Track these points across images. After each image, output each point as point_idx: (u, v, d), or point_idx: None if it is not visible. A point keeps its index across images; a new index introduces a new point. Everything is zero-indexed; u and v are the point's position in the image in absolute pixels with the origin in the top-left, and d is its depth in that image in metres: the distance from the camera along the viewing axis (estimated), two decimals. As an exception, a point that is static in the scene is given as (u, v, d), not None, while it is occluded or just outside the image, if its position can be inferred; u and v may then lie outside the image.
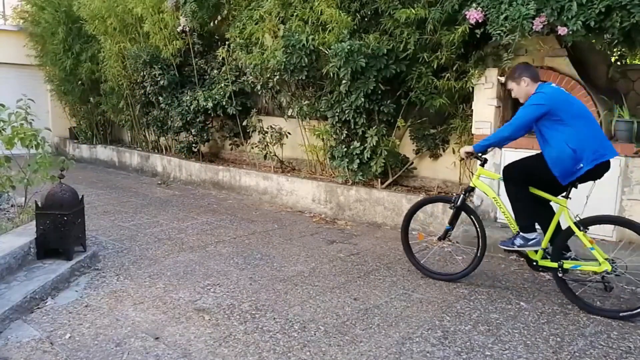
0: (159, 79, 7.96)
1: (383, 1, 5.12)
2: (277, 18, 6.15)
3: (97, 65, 9.23)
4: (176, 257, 4.36)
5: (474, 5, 4.49)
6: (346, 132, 5.74)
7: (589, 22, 3.89)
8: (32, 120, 4.45)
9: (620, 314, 3.24)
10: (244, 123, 7.39)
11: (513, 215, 3.58)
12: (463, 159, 3.90)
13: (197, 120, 7.91)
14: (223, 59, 7.18)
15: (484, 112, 4.93)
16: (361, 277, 3.96)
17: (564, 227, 3.46)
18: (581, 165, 3.21)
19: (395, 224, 5.50)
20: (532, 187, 3.50)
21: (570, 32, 4.00)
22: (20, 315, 3.10)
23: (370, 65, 5.18)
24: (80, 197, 4.07)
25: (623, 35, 3.87)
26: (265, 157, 7.06)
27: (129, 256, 4.37)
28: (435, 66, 5.07)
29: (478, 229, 3.81)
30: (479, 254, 3.81)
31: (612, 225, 4.28)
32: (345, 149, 5.78)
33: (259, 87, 6.67)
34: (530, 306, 3.45)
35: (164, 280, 3.80)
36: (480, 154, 3.66)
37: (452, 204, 3.84)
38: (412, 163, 5.94)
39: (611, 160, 3.29)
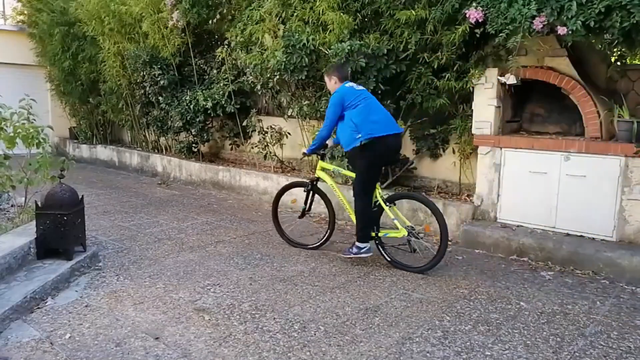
0: (158, 78, 7.96)
1: (384, 1, 5.12)
2: (277, 18, 6.15)
3: (97, 65, 9.23)
4: (176, 257, 4.36)
5: (474, 4, 4.49)
6: (346, 132, 5.73)
7: (588, 22, 3.89)
8: (34, 119, 4.45)
9: (420, 268, 4.04)
10: (244, 123, 7.39)
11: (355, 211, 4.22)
12: (304, 156, 4.75)
13: (197, 120, 7.91)
14: (223, 58, 7.18)
15: (484, 112, 4.93)
16: (361, 277, 3.96)
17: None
18: (360, 135, 3.91)
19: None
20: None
21: (570, 32, 4.00)
22: (20, 315, 3.10)
23: (370, 65, 5.18)
24: (80, 197, 4.07)
25: (623, 35, 3.87)
26: (265, 157, 7.06)
27: (129, 256, 4.37)
28: (435, 66, 5.06)
29: (328, 209, 4.68)
30: (329, 230, 4.65)
31: (613, 227, 4.29)
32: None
33: (258, 87, 6.67)
34: (530, 306, 3.45)
35: (164, 280, 3.80)
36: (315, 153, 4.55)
37: (305, 188, 4.69)
38: (412, 163, 5.94)
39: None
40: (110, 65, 8.69)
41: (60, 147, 11.96)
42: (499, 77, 4.82)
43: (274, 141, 6.88)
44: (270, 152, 6.99)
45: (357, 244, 4.14)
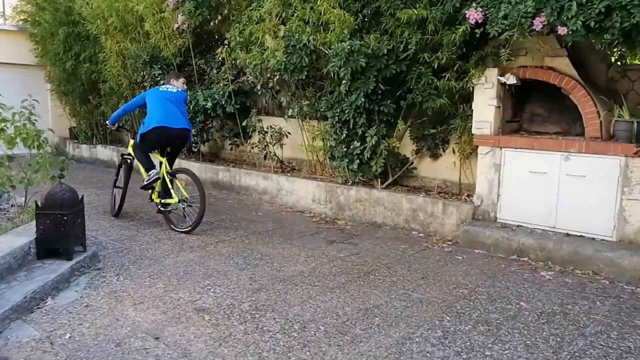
0: (158, 78, 7.96)
1: (384, 1, 5.12)
2: (278, 18, 6.15)
3: (97, 65, 9.23)
4: (176, 257, 4.36)
5: (473, 5, 4.49)
6: (346, 132, 5.74)
7: (588, 22, 3.89)
8: (36, 120, 4.46)
9: (186, 229, 5.08)
10: (244, 123, 7.38)
11: (142, 166, 5.37)
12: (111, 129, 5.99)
13: (197, 120, 7.90)
14: (223, 58, 7.18)
15: (484, 112, 4.93)
16: (361, 277, 3.96)
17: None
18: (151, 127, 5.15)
19: (395, 224, 5.51)
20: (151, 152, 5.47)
21: (570, 32, 4.00)
22: (20, 315, 3.10)
23: (370, 65, 5.18)
24: (80, 197, 4.07)
25: (623, 35, 3.87)
26: (265, 157, 7.06)
27: (129, 256, 4.37)
28: (435, 66, 5.06)
29: (125, 178, 5.80)
30: (122, 197, 5.77)
31: (613, 227, 4.29)
32: (345, 149, 5.78)
33: (258, 87, 6.67)
34: (530, 306, 3.45)
35: (164, 280, 3.80)
36: (119, 126, 5.94)
37: (118, 166, 5.94)
38: (412, 163, 5.94)
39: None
40: (111, 65, 8.69)
41: (60, 147, 11.95)
42: (499, 77, 4.82)
43: (274, 141, 6.88)
44: (270, 152, 6.99)
45: (145, 175, 5.29)
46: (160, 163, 5.38)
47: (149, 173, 5.26)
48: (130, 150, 5.62)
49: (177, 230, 5.13)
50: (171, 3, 7.31)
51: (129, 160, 5.80)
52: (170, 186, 5.17)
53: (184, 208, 5.18)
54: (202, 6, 7.01)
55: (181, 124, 5.26)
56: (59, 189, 3.91)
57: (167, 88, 5.48)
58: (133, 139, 5.66)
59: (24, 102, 4.40)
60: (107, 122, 5.69)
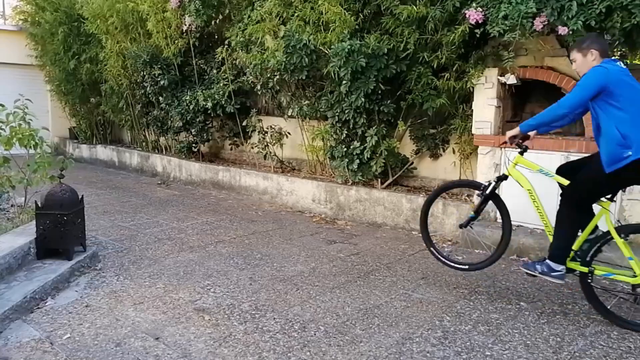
0: (159, 78, 7.96)
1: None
2: (278, 18, 6.15)
3: (97, 65, 9.23)
4: (176, 257, 4.36)
5: (473, 4, 4.49)
6: (346, 132, 5.74)
7: (589, 22, 3.88)
8: (31, 120, 4.45)
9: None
10: (244, 123, 7.39)
11: (553, 236, 3.26)
12: (505, 144, 3.51)
13: (197, 120, 7.91)
14: (223, 58, 7.17)
15: (484, 112, 4.93)
16: (361, 277, 3.96)
17: (602, 229, 3.21)
18: (630, 153, 2.78)
19: (395, 224, 5.50)
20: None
21: (571, 32, 4.00)
22: (20, 315, 3.10)
23: (370, 65, 5.17)
24: (80, 197, 4.07)
25: (624, 35, 3.87)
26: (265, 157, 7.06)
27: (129, 256, 4.37)
28: (435, 66, 5.06)
29: (504, 222, 3.57)
30: (499, 250, 3.58)
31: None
32: (345, 149, 5.78)
33: (258, 87, 6.67)
34: (530, 306, 3.45)
35: (164, 280, 3.80)
36: (521, 141, 3.40)
37: (481, 192, 3.58)
38: (412, 163, 5.94)
39: None
40: (111, 65, 8.69)
41: (60, 147, 11.96)
42: (499, 77, 4.82)
43: (274, 141, 6.88)
44: (270, 152, 6.99)
45: (549, 262, 3.19)
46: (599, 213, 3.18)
47: (555, 267, 3.17)
48: (517, 174, 3.44)
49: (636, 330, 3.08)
50: (174, 3, 7.30)
51: (498, 183, 3.55)
52: (626, 253, 3.07)
53: (635, 290, 3.08)
54: (206, 5, 7.01)
55: None
56: (59, 189, 3.91)
57: (622, 67, 2.99)
58: (521, 152, 3.44)
59: (17, 102, 4.40)
60: (516, 129, 3.29)
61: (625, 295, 3.27)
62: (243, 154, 8.10)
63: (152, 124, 8.83)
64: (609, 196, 3.12)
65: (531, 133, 3.39)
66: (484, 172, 4.99)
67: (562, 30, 4.03)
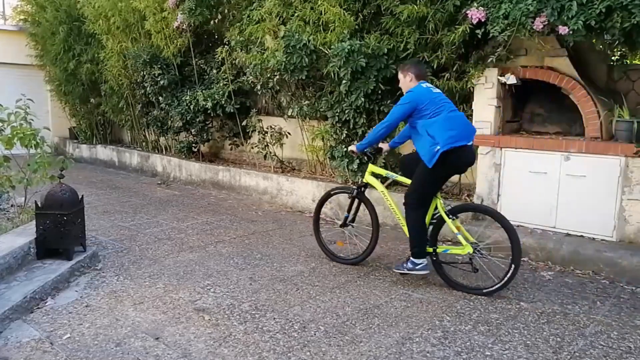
0: (158, 78, 7.96)
1: None
2: (278, 18, 6.15)
3: (97, 65, 9.23)
4: (176, 257, 4.36)
5: (475, 4, 4.48)
6: (346, 132, 5.74)
7: (589, 22, 3.88)
8: (32, 120, 4.45)
9: (484, 290, 3.60)
10: (244, 123, 7.39)
11: (409, 236, 3.78)
12: (354, 152, 4.17)
13: (197, 120, 7.91)
14: (223, 58, 7.18)
15: (484, 112, 4.93)
16: (361, 277, 3.96)
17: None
18: (438, 147, 3.47)
19: (395, 223, 5.49)
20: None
21: (571, 32, 4.00)
22: (20, 315, 3.10)
23: (370, 65, 5.18)
24: (80, 197, 4.07)
25: (624, 35, 3.87)
26: (265, 157, 7.06)
27: (129, 256, 4.37)
28: (435, 66, 5.06)
29: (372, 220, 4.23)
30: (371, 243, 4.20)
31: (613, 227, 4.29)
32: (345, 149, 5.78)
33: (258, 86, 6.67)
34: (530, 306, 3.45)
35: (164, 280, 3.80)
36: (366, 153, 4.11)
37: (350, 195, 4.31)
38: (412, 163, 5.94)
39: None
40: (112, 65, 8.69)
41: (60, 147, 11.96)
42: (499, 77, 4.82)
43: (274, 141, 6.88)
44: (270, 152, 6.99)
45: (412, 259, 3.74)
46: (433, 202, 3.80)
47: (418, 262, 3.73)
48: (372, 180, 4.14)
49: (471, 292, 3.64)
50: (171, 3, 7.31)
51: (363, 189, 4.24)
52: (454, 229, 3.68)
53: (471, 258, 3.66)
54: (202, 5, 7.01)
55: (471, 136, 3.67)
56: (59, 189, 3.91)
57: (435, 89, 3.77)
58: (372, 162, 4.21)
59: (18, 102, 4.40)
60: (352, 147, 4.11)
61: (464, 266, 3.79)
62: (243, 154, 8.10)
63: (152, 124, 8.83)
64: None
65: (383, 145, 4.15)
66: (483, 172, 4.99)
67: (563, 30, 4.03)
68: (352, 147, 4.11)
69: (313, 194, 6.20)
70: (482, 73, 4.88)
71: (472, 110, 5.05)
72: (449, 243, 4.39)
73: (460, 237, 3.66)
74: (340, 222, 4.44)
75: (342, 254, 4.40)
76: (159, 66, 7.95)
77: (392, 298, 3.55)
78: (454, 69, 5.02)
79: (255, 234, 5.17)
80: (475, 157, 3.84)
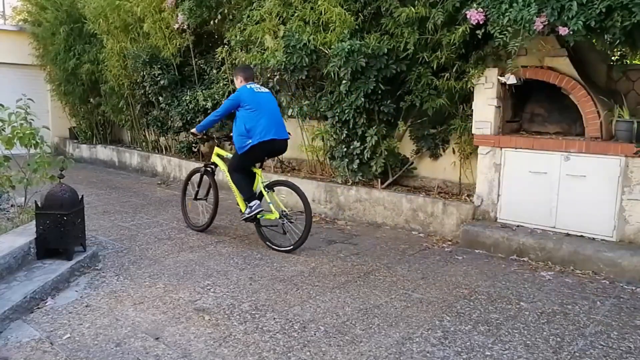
0: (158, 78, 7.96)
1: (384, 0, 5.12)
2: (278, 18, 6.14)
3: (98, 65, 9.23)
4: (176, 257, 4.36)
5: (474, 5, 4.48)
6: (346, 132, 5.73)
7: (589, 22, 3.88)
8: (32, 120, 4.45)
9: (285, 248, 4.52)
10: (244, 123, 7.38)
11: (238, 194, 4.78)
12: (194, 137, 5.37)
13: (197, 120, 7.90)
14: (223, 58, 7.17)
15: (484, 112, 4.93)
16: (361, 277, 3.96)
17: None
18: (249, 141, 4.43)
19: (395, 223, 5.50)
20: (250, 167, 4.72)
21: (571, 32, 3.99)
22: (20, 315, 3.10)
23: (370, 65, 5.17)
24: (80, 197, 4.07)
25: (624, 35, 3.86)
26: (265, 157, 7.06)
27: (129, 256, 4.37)
28: (435, 66, 5.06)
29: (215, 193, 5.12)
30: (213, 212, 5.12)
31: (613, 227, 4.29)
32: (345, 149, 5.78)
33: (258, 86, 6.67)
34: (530, 306, 3.45)
35: (164, 280, 3.80)
36: (207, 136, 5.30)
37: (200, 173, 5.27)
38: (412, 163, 5.94)
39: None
40: (112, 65, 8.69)
41: (60, 147, 11.96)
42: (499, 77, 4.82)
43: (274, 141, 6.87)
44: (270, 152, 6.98)
45: (247, 205, 4.63)
46: (254, 174, 4.75)
47: (251, 205, 4.56)
48: (224, 169, 4.95)
49: (276, 250, 4.56)
50: (170, 3, 7.30)
51: (210, 169, 5.20)
52: (268, 200, 4.56)
53: (283, 224, 4.56)
54: (201, 6, 7.00)
55: (284, 133, 4.64)
56: (59, 189, 3.91)
57: (259, 89, 4.67)
58: (217, 145, 5.25)
59: (19, 102, 4.40)
60: (193, 130, 5.02)
61: (276, 228, 4.66)
62: (243, 154, 8.09)
63: (152, 124, 8.82)
64: (258, 164, 4.75)
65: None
66: (483, 172, 4.99)
67: (563, 31, 4.02)
68: (193, 130, 5.00)
69: (313, 194, 6.20)
70: (482, 73, 4.88)
71: (472, 110, 5.05)
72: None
73: (271, 206, 4.55)
74: (196, 195, 5.32)
75: (195, 222, 5.30)
76: (159, 66, 7.95)
77: (392, 298, 3.55)
78: (454, 69, 5.01)
79: (255, 234, 5.16)
80: (286, 148, 4.71)
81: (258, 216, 4.61)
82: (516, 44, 4.25)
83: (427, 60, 5.06)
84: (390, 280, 3.90)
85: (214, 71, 7.69)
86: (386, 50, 5.15)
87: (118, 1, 7.93)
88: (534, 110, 5.35)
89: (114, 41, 8.52)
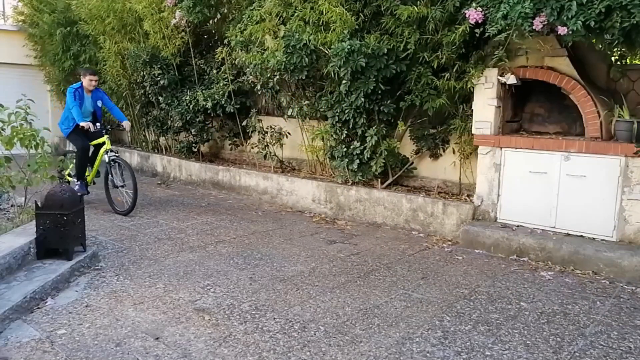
0: (158, 78, 7.96)
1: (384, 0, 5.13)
2: (278, 18, 6.15)
3: (97, 65, 9.22)
4: (176, 257, 4.36)
5: (473, 4, 4.49)
6: (346, 132, 5.74)
7: (589, 22, 3.88)
8: (32, 120, 4.45)
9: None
10: (244, 123, 7.39)
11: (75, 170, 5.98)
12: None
13: (197, 120, 7.92)
14: (223, 58, 7.17)
15: (484, 112, 4.93)
16: (361, 277, 3.96)
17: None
18: (72, 124, 5.78)
19: (395, 223, 5.50)
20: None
21: (570, 32, 4.00)
22: (20, 315, 3.10)
23: (370, 65, 5.17)
24: (80, 197, 4.07)
25: (623, 35, 3.87)
26: (265, 157, 7.06)
27: (129, 256, 4.37)
28: (435, 66, 5.06)
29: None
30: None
31: (613, 227, 4.29)
32: (345, 149, 5.78)
33: (258, 86, 6.67)
34: (530, 306, 3.45)
35: (164, 280, 3.80)
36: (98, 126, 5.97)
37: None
38: (412, 163, 5.94)
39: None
40: (110, 65, 8.69)
41: (60, 147, 11.92)
42: (499, 77, 4.82)
43: (274, 141, 6.88)
44: (270, 152, 6.99)
45: (75, 181, 5.95)
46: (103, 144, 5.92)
47: (77, 183, 5.94)
48: (101, 154, 6.04)
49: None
50: (169, 2, 7.30)
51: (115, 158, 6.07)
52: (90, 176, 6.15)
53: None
54: (201, 4, 7.00)
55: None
56: (59, 189, 3.91)
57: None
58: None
59: (19, 102, 4.40)
60: (82, 124, 5.78)
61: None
62: (243, 154, 8.10)
63: (152, 124, 8.82)
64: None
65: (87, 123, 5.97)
66: (483, 172, 4.99)
67: (562, 31, 4.03)
68: (84, 125, 5.80)
69: (313, 194, 6.20)
70: (482, 73, 4.88)
71: (472, 110, 5.05)
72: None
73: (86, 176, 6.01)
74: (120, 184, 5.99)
75: (118, 208, 5.99)
76: (159, 66, 7.95)
77: (392, 298, 3.55)
78: (454, 69, 5.02)
79: (255, 234, 5.17)
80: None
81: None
82: (506, 35, 4.23)
83: (427, 60, 5.06)
84: (390, 280, 3.90)
85: (214, 71, 7.69)
86: (386, 50, 5.15)
87: (115, 3, 7.92)
88: (534, 110, 5.36)
89: (111, 42, 8.51)
